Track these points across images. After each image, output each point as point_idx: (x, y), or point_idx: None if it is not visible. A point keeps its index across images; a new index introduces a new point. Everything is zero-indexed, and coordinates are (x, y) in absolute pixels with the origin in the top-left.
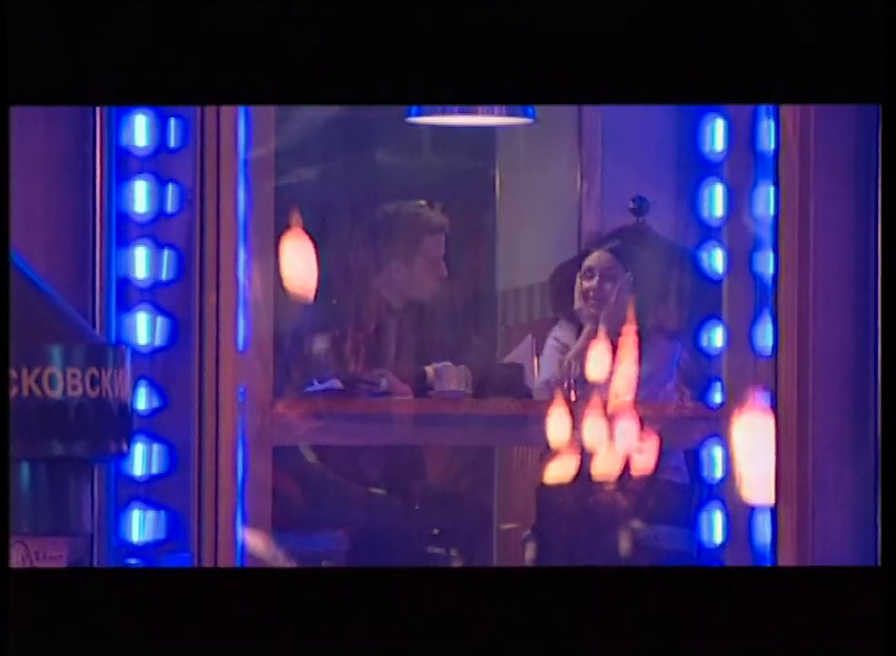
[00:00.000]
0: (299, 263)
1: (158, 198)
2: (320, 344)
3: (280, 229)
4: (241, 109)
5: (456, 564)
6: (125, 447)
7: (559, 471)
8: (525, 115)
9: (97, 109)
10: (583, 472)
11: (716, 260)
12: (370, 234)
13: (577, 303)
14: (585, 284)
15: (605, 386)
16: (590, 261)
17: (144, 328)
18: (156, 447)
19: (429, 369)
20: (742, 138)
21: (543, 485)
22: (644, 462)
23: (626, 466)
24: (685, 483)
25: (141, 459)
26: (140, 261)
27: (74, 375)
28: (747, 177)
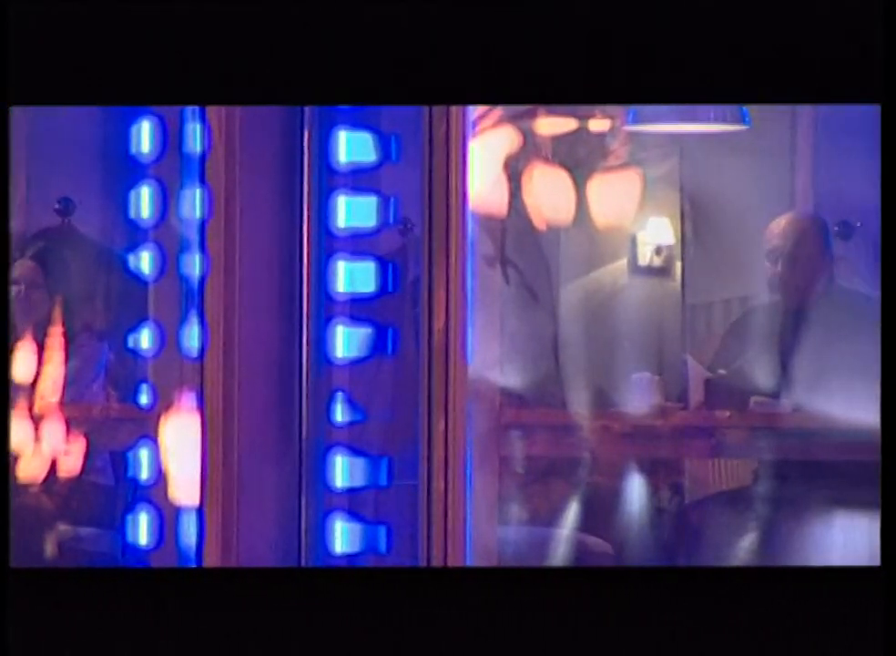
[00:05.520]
0: None
1: None
2: None
3: None
4: None
5: None
6: None
7: None
8: None
9: None
10: (7, 474)
11: (144, 261)
12: None
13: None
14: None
15: (30, 388)
16: (14, 271)
17: None
18: None
19: None
20: (171, 139)
21: None
22: (70, 464)
23: (52, 469)
24: (110, 484)
25: None
26: None
27: None
28: (175, 178)
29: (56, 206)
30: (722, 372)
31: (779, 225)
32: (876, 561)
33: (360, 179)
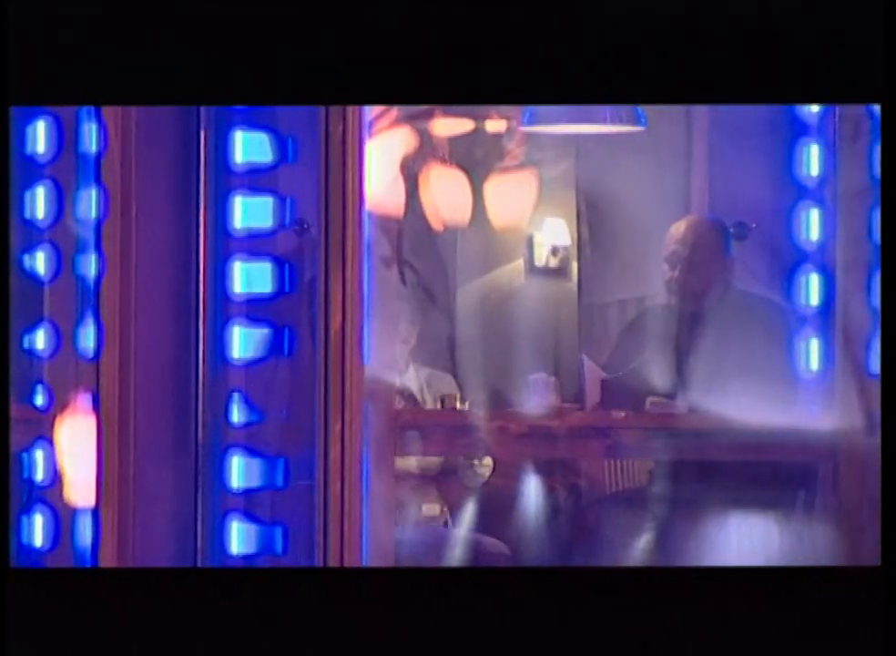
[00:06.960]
0: None
1: None
2: None
3: None
4: None
5: None
6: None
7: None
8: None
9: None
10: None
11: (39, 261)
12: None
13: None
14: None
15: None
16: None
17: None
18: None
19: None
20: (67, 139)
21: None
22: None
23: None
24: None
25: None
26: None
27: None
28: (71, 178)
29: None
30: (619, 372)
31: (679, 230)
32: (877, 561)
33: (256, 180)
